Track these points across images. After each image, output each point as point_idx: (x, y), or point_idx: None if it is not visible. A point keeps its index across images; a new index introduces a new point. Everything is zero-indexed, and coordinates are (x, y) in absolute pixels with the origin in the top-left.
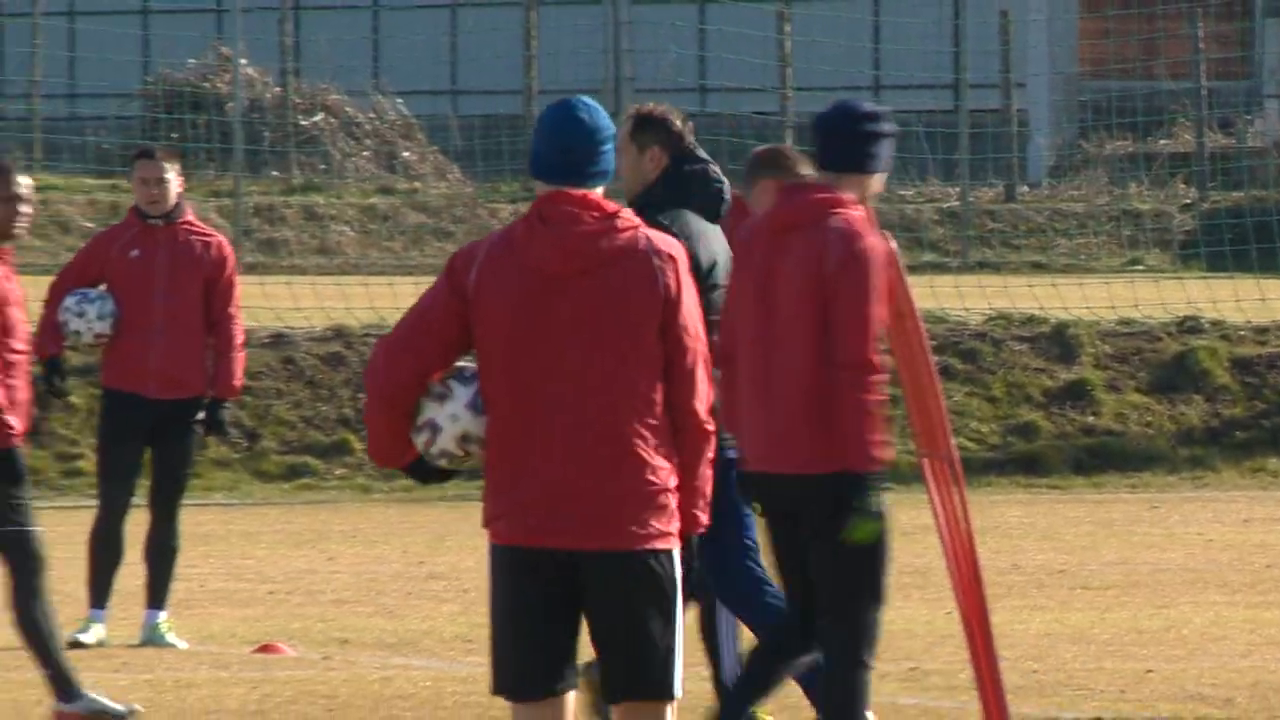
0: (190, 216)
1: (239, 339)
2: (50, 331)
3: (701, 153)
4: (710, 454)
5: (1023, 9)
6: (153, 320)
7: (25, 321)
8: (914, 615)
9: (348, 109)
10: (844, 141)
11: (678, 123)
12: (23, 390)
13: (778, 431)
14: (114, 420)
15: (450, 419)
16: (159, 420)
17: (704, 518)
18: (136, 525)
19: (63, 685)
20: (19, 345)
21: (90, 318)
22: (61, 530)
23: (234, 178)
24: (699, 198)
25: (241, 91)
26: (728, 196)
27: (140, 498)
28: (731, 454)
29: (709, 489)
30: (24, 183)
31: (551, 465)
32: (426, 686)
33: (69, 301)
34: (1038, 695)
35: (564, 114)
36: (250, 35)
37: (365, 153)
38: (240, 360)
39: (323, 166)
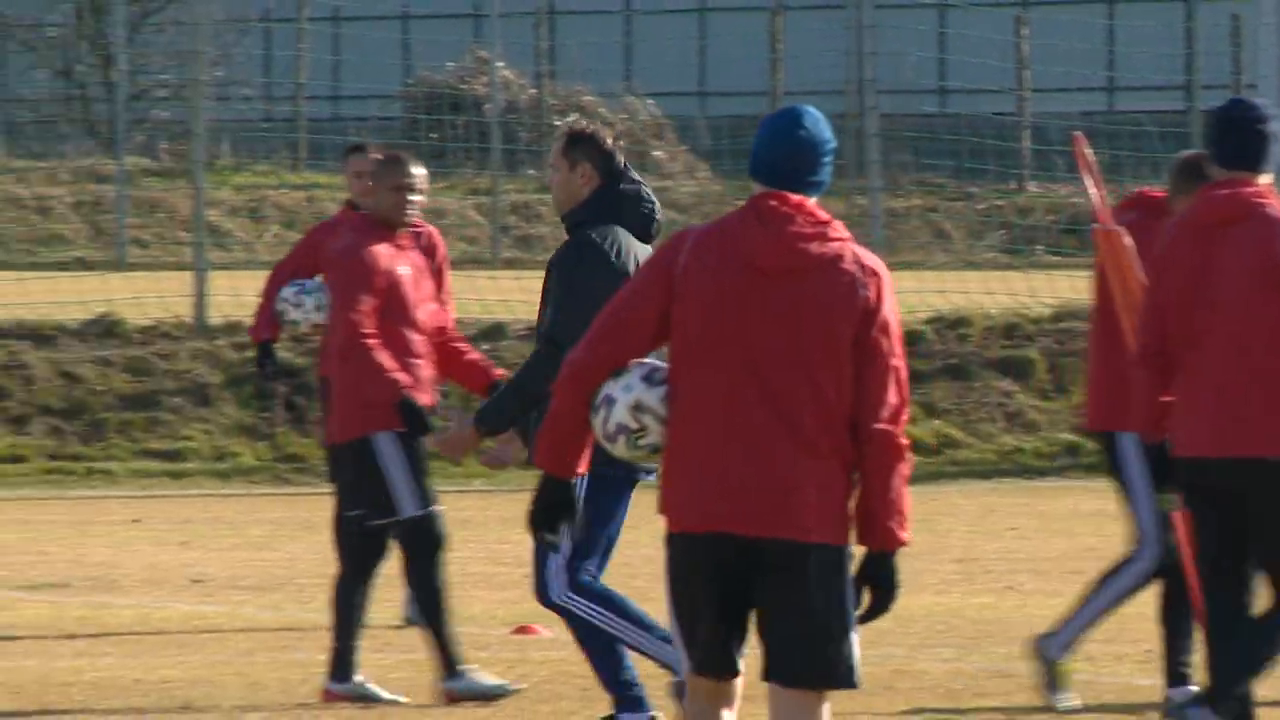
0: None
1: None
2: (266, 319)
3: (634, 174)
4: (905, 470)
5: (1254, 11)
6: None
7: (429, 304)
8: (1147, 599)
9: (600, 110)
10: (1245, 139)
11: (608, 142)
12: (426, 369)
13: (1230, 417)
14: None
15: (624, 389)
16: None
17: (902, 534)
18: None
19: (341, 666)
20: (418, 328)
21: (307, 308)
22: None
23: (491, 176)
24: (630, 217)
25: (499, 93)
26: (659, 217)
27: None
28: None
29: (905, 505)
30: (416, 173)
31: (733, 455)
32: None
33: (287, 292)
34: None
35: (789, 122)
36: (507, 39)
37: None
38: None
39: None
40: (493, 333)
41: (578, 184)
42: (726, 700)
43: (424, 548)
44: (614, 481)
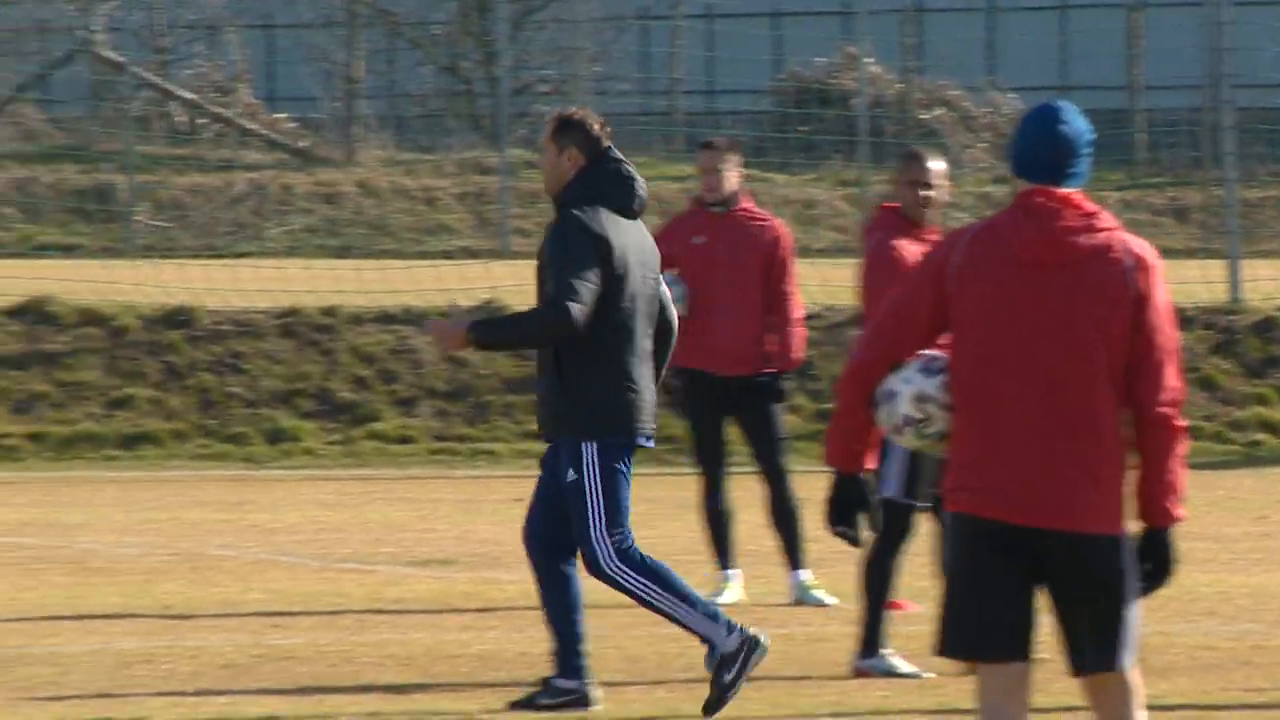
0: (747, 203)
1: (796, 314)
2: None
3: (616, 154)
4: (1183, 450)
5: None
6: (718, 301)
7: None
8: None
9: (965, 104)
10: None
11: (595, 126)
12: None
13: None
14: (690, 397)
15: (904, 382)
16: (731, 394)
17: (1177, 510)
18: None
19: (870, 642)
20: None
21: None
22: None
23: (859, 168)
24: (613, 194)
25: (866, 88)
26: (640, 193)
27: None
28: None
29: (1182, 484)
30: (934, 168)
31: (1016, 446)
32: None
33: None
34: None
35: (1048, 118)
36: (875, 36)
37: (981, 144)
38: (799, 335)
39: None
40: (861, 319)
41: (565, 166)
42: (1018, 695)
43: (892, 531)
44: (617, 448)
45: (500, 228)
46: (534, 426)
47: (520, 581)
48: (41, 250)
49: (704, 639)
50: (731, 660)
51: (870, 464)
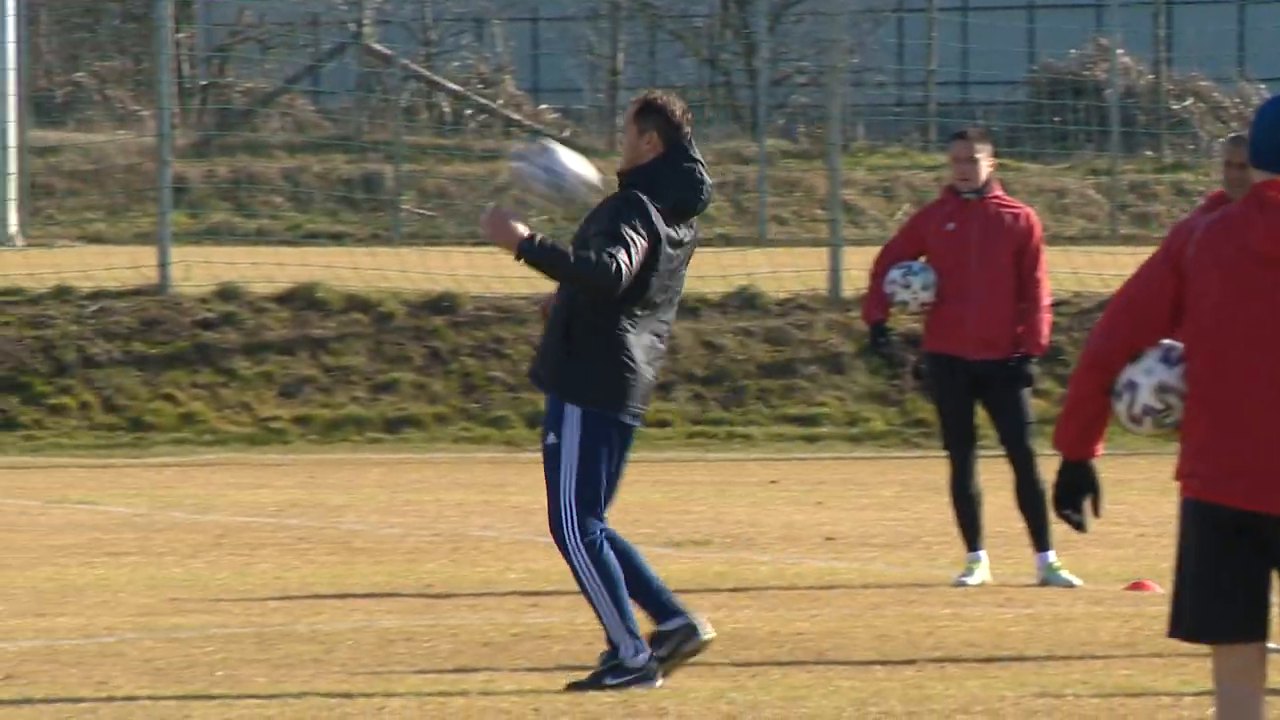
0: (998, 191)
1: (1045, 301)
2: (876, 300)
3: (695, 153)
4: None
5: None
6: (969, 287)
7: None
8: None
9: (1215, 95)
10: None
11: (677, 114)
12: None
13: None
14: (940, 381)
15: (1145, 373)
16: (980, 379)
17: None
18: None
19: None
20: None
21: (915, 288)
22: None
23: (1110, 157)
24: (679, 191)
25: (1118, 79)
26: (705, 197)
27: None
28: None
29: None
30: None
31: (1247, 433)
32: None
33: (894, 274)
34: None
35: None
36: (1126, 28)
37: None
38: (1047, 321)
39: (1191, 147)
40: (1098, 308)
41: (643, 149)
42: (1254, 676)
43: None
44: (604, 421)
45: (757, 216)
46: (789, 410)
47: (772, 562)
48: (310, 238)
49: (612, 642)
50: (623, 672)
51: (1099, 451)
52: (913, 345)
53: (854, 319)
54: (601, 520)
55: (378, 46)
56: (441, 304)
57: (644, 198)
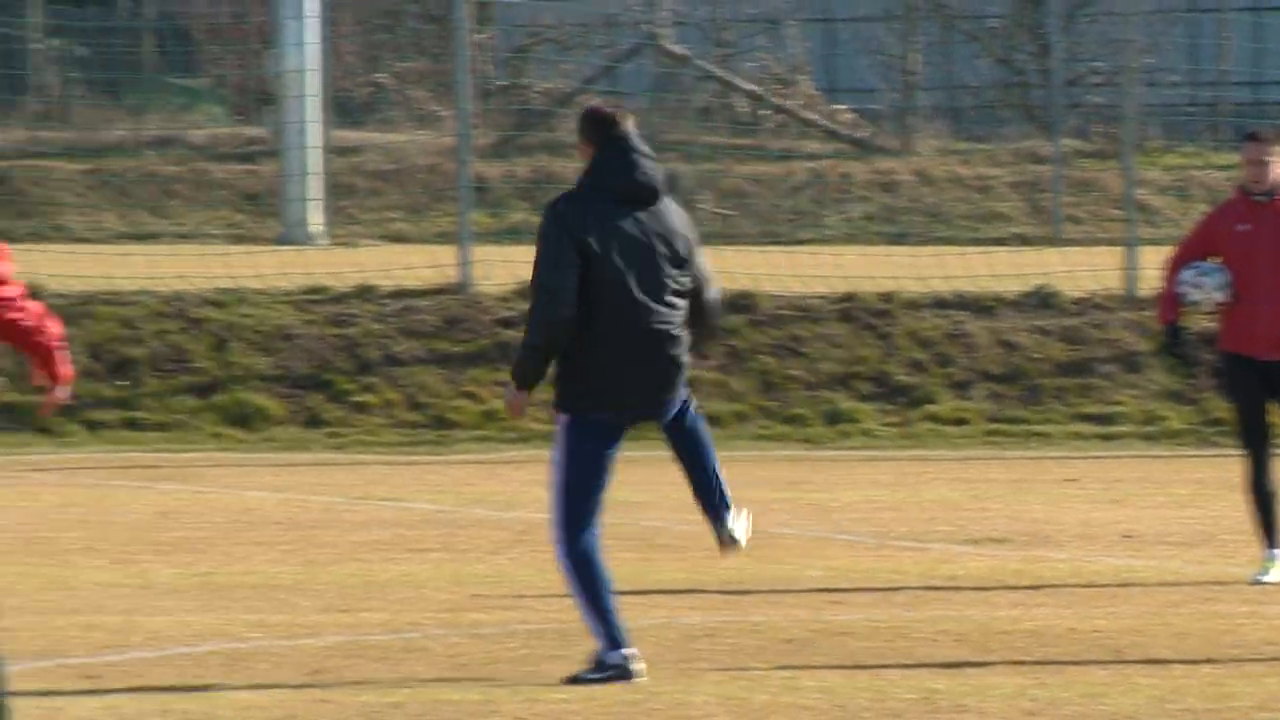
0: None
1: None
2: (1169, 301)
3: (635, 142)
4: None
5: None
6: (1261, 287)
7: None
8: None
9: None
10: None
11: (603, 113)
12: None
13: None
14: (1234, 380)
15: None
16: (1274, 377)
17: None
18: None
19: None
20: None
21: (1207, 289)
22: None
23: None
24: (613, 179)
25: None
26: (643, 177)
27: None
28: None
29: None
30: None
31: None
32: None
33: (1186, 275)
34: None
35: None
36: None
37: None
38: None
39: None
40: None
41: (585, 156)
42: None
43: None
44: (584, 425)
45: (1053, 215)
46: (1086, 409)
47: (1070, 560)
48: None
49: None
50: (602, 669)
51: None
52: (1207, 345)
53: (1149, 318)
54: (582, 517)
55: (673, 47)
56: (739, 303)
57: (552, 208)
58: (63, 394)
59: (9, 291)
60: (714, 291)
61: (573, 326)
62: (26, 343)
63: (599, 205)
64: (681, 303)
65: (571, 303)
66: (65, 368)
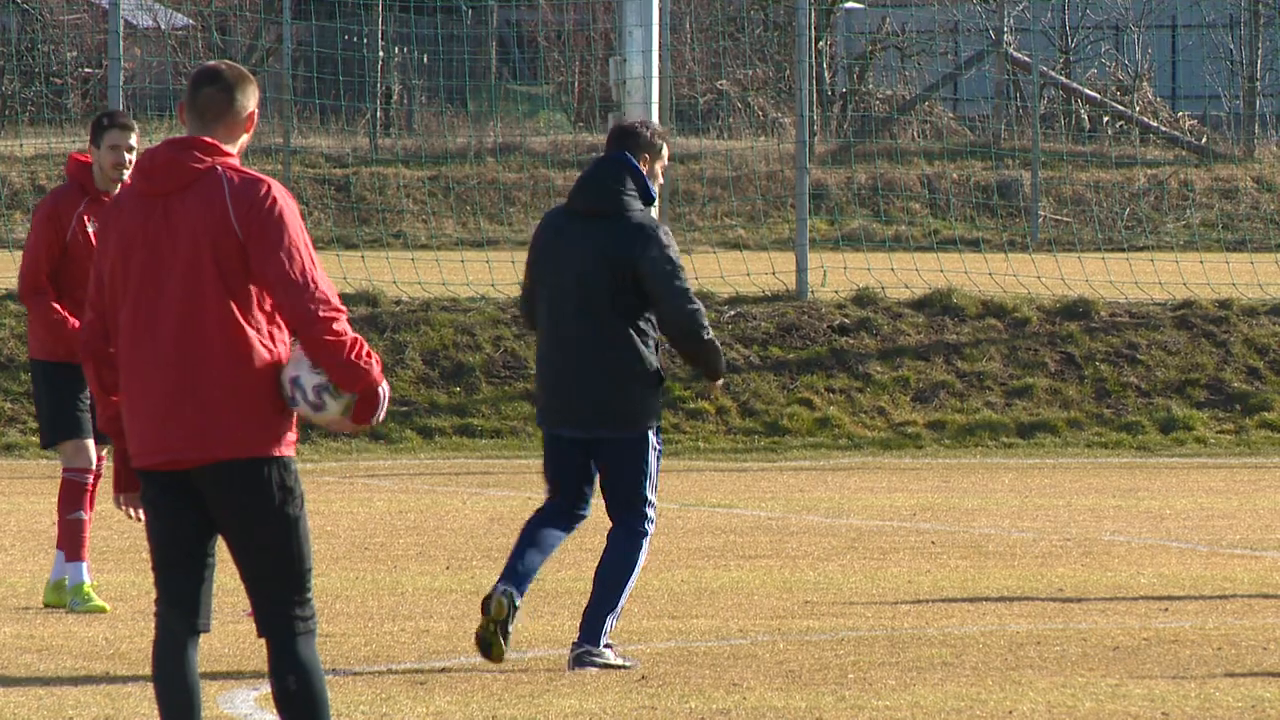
0: None
1: None
2: None
3: (604, 154)
4: None
5: None
6: None
7: None
8: None
9: None
10: None
11: (612, 134)
12: None
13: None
14: None
15: None
16: None
17: None
18: None
19: None
20: None
21: None
22: None
23: None
24: (573, 194)
25: None
26: (585, 192)
27: None
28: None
29: None
30: None
31: None
32: None
33: None
34: None
35: None
36: None
37: None
38: None
39: None
40: None
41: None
42: None
43: None
44: (546, 432)
45: None
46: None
47: None
48: (947, 244)
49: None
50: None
51: None
52: None
53: None
54: (548, 507)
55: (1017, 54)
56: (1076, 309)
57: (663, 229)
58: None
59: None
60: (673, 303)
61: None
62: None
63: (558, 219)
64: None
65: (527, 315)
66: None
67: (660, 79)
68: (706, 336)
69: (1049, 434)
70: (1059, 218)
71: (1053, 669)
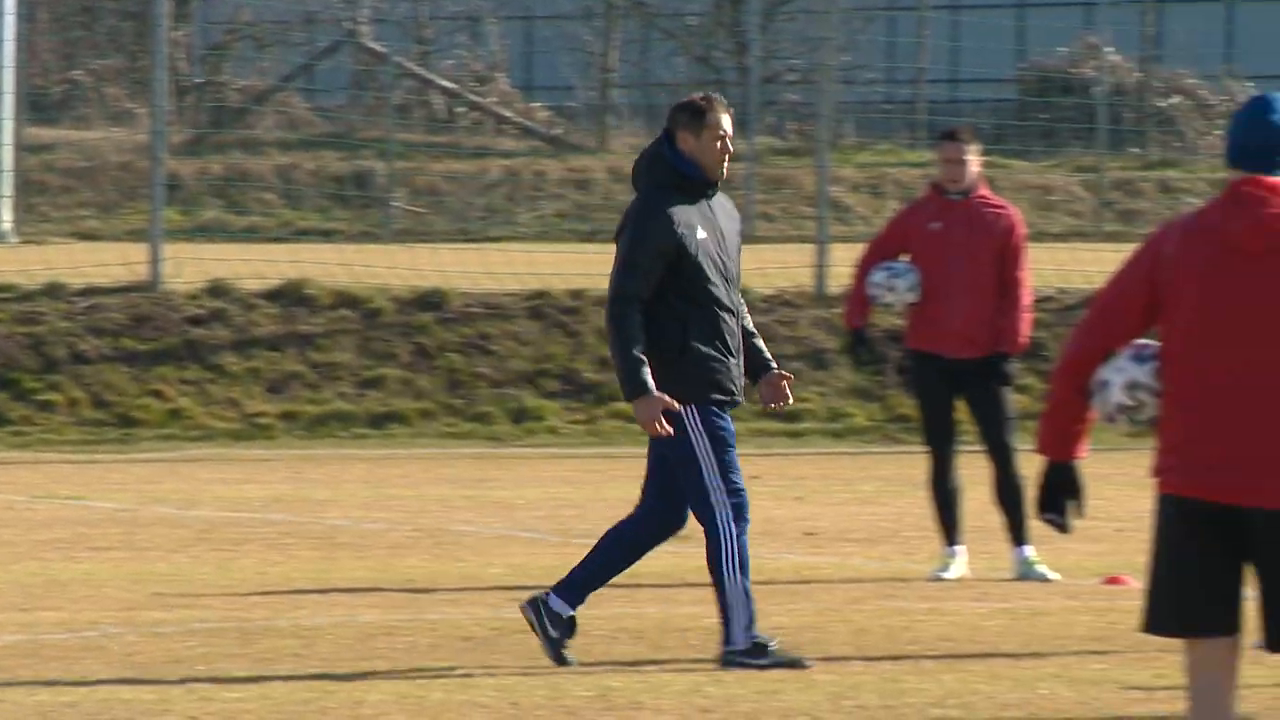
0: (984, 190)
1: (1026, 300)
2: (859, 304)
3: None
4: None
5: None
6: (951, 285)
7: None
8: None
9: (1202, 92)
10: None
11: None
12: None
13: None
14: (921, 378)
15: (1116, 371)
16: (961, 375)
17: None
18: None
19: None
20: None
21: (900, 290)
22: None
23: (1097, 155)
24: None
25: (1106, 77)
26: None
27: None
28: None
29: None
30: None
31: (1222, 428)
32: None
33: (878, 277)
34: None
35: (1261, 109)
36: (1115, 26)
37: (1217, 132)
38: (1027, 319)
39: (1177, 145)
40: (1082, 304)
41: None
42: (1226, 670)
43: None
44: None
45: (745, 213)
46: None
47: (753, 557)
48: (301, 235)
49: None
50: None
51: (1082, 453)
52: (894, 343)
53: (838, 315)
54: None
55: (372, 44)
56: (429, 300)
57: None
58: None
59: None
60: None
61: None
62: None
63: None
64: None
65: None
66: None
67: (12, 68)
68: (613, 345)
69: (401, 424)
70: (413, 208)
71: (403, 660)
